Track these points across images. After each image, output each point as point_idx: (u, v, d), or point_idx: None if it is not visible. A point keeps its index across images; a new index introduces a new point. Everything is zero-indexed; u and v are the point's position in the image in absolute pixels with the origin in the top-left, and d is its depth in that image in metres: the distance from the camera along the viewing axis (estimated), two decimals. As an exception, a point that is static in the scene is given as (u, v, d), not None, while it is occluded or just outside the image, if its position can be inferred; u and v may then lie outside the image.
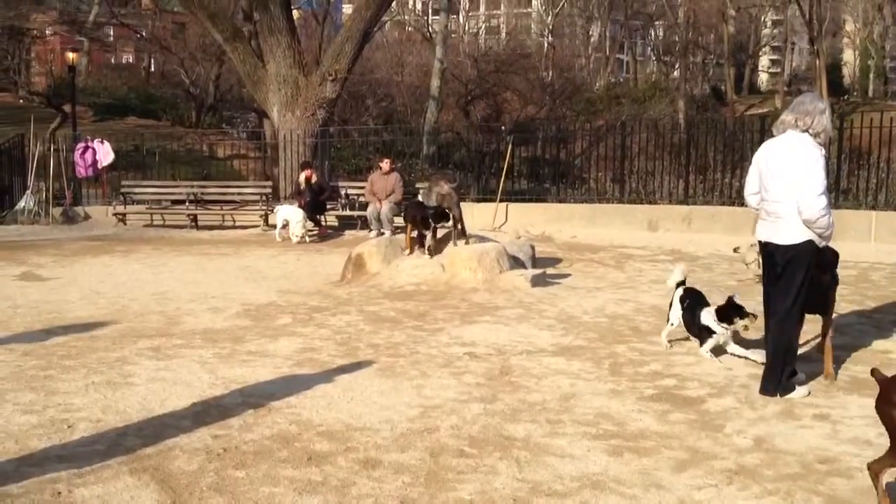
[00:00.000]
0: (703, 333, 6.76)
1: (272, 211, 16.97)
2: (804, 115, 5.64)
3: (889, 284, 9.74)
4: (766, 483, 4.38)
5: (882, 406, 4.01)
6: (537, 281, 9.91)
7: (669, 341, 7.19)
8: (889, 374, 4.10)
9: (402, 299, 9.34)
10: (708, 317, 6.68)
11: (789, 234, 5.66)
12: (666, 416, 5.45)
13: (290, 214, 15.14)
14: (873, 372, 4.08)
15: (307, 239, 14.95)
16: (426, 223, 10.50)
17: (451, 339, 7.54)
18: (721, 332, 6.64)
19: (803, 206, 5.51)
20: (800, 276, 5.68)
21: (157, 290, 10.08)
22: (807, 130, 5.63)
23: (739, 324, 6.61)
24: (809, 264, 5.70)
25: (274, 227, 16.59)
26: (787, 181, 5.62)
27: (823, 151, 5.72)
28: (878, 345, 7.08)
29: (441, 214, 10.44)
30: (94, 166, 19.11)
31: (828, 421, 5.32)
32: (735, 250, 10.42)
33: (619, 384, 6.15)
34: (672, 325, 7.11)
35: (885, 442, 4.87)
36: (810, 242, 5.63)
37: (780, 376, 5.83)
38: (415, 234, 10.74)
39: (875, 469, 4.06)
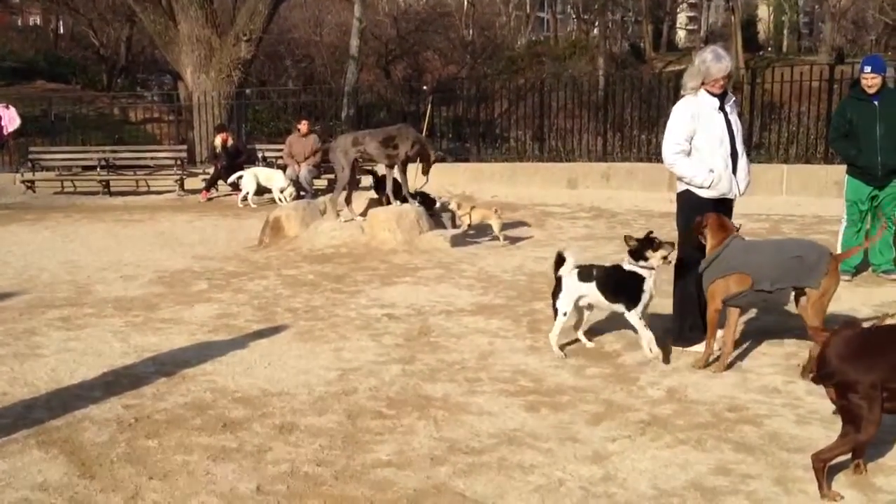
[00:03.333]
0: (628, 296, 5.61)
1: (188, 175, 16.62)
2: None
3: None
4: (678, 433, 4.46)
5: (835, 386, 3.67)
6: (457, 241, 9.91)
7: (563, 347, 5.94)
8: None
9: (320, 262, 9.24)
10: (630, 265, 5.58)
11: (677, 185, 5.94)
12: (582, 371, 5.52)
13: (274, 178, 14.58)
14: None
15: (287, 200, 13.88)
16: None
17: (370, 300, 7.50)
18: (648, 273, 5.53)
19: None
20: (681, 223, 5.89)
21: (68, 258, 9.79)
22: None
23: (657, 255, 5.52)
24: (689, 214, 5.74)
25: (191, 192, 16.27)
26: None
27: (699, 101, 5.63)
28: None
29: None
30: (-1, 132, 18.36)
31: (738, 371, 5.45)
32: None
33: (536, 341, 6.19)
34: (565, 315, 5.80)
35: (794, 389, 5.06)
36: (687, 192, 5.80)
37: (679, 327, 5.94)
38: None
39: (823, 458, 3.71)
